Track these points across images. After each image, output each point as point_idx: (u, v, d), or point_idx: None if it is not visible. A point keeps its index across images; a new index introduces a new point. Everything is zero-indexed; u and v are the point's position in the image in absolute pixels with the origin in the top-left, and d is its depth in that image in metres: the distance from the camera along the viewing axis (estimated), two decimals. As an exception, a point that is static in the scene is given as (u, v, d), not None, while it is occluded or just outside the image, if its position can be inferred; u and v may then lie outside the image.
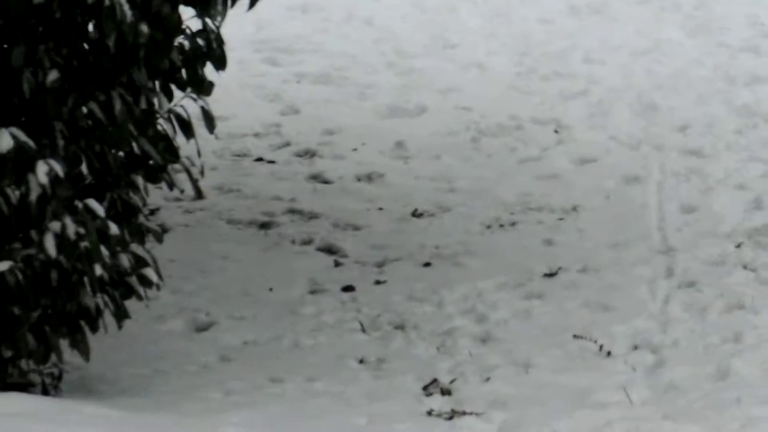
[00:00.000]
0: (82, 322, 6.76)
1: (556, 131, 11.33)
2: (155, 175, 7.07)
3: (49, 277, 6.53)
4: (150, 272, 6.93)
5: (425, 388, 7.14)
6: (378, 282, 8.72)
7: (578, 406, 6.65)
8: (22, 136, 6.28)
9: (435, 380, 7.20)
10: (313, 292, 8.58)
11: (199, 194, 7.37)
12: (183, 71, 7.01)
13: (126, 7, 6.34)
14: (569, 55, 12.99)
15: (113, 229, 6.56)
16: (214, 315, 8.22)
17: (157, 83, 6.96)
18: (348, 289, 8.60)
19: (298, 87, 12.38)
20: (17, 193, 6.38)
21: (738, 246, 8.90)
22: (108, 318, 6.90)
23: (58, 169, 6.37)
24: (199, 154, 7.63)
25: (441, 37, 13.46)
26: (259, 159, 10.90)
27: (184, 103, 7.09)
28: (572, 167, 10.64)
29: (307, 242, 9.33)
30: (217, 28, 7.02)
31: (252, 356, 7.72)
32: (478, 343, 7.74)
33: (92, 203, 6.52)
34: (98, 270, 6.47)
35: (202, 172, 7.22)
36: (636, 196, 10.01)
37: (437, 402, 6.90)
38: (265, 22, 13.46)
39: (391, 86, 12.33)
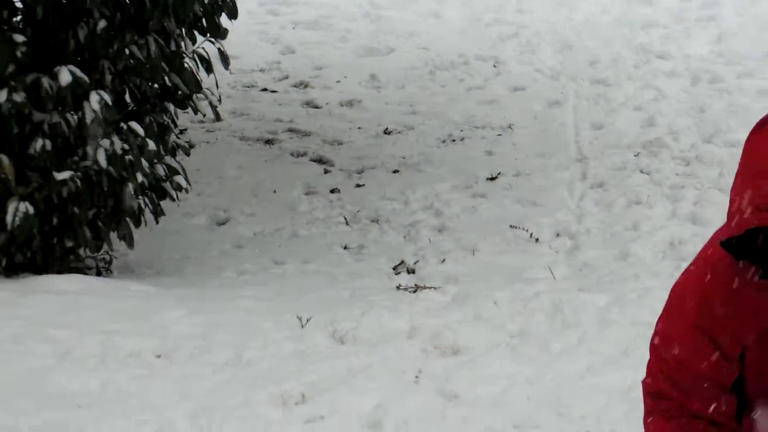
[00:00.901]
0: (128, 219, 6.71)
1: (494, 66, 11.24)
2: (183, 102, 7.01)
3: (101, 183, 6.48)
4: (180, 179, 6.89)
5: (395, 268, 7.11)
6: (358, 185, 8.66)
7: (513, 281, 6.63)
8: (78, 73, 6.22)
9: (402, 262, 7.18)
10: (307, 193, 8.52)
11: (217, 117, 7.28)
12: (203, 20, 6.91)
13: (158, -30, 6.23)
14: (505, 6, 12.88)
15: (151, 145, 6.50)
16: (231, 212, 8.16)
17: (183, 30, 6.87)
18: (334, 191, 8.54)
19: (294, 32, 12.23)
20: (75, 117, 6.33)
21: (636, 155, 8.87)
22: (147, 215, 6.87)
23: (107, 98, 6.31)
24: (217, 85, 7.57)
25: (405, -8, 13.31)
26: (264, 89, 10.79)
27: (205, 45, 7.01)
28: (507, 94, 10.57)
29: (303, 154, 9.25)
30: (230, -14, 6.92)
31: (260, 244, 7.68)
32: (435, 233, 7.71)
33: (134, 125, 6.48)
34: (139, 177, 6.42)
35: (219, 100, 7.17)
36: (557, 116, 9.96)
37: (404, 279, 6.87)
38: (267, -19, 13.29)
39: (367, 32, 12.19)
